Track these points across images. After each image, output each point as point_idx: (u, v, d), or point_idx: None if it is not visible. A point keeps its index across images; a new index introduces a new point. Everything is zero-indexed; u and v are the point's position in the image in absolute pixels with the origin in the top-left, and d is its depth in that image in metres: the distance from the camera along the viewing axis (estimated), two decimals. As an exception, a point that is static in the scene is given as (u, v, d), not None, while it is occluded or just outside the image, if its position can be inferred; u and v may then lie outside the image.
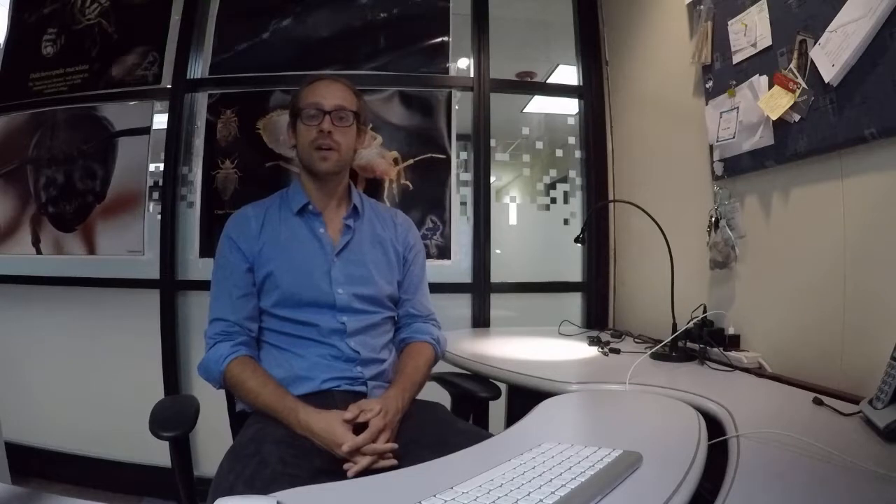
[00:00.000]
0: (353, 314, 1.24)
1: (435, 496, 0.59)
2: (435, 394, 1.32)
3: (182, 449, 1.12)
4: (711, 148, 1.63)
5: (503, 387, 1.40)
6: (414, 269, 1.37)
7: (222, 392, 1.28)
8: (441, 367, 1.49)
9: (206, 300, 1.29)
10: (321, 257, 1.26)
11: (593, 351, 1.66)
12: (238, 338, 1.20)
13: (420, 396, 1.23)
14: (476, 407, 1.39)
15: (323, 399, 1.14)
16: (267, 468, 0.92)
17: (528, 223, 2.42)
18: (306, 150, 1.25)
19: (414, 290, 1.36)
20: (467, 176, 2.33)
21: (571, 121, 2.46)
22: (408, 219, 1.43)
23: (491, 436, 1.00)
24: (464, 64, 2.41)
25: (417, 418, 1.15)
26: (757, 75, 1.42)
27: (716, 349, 1.45)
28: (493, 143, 2.34)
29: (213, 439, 1.09)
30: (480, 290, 2.30)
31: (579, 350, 1.70)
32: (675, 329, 1.52)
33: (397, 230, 1.37)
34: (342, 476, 0.97)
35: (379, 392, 1.18)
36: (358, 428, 1.03)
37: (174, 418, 1.11)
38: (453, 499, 0.58)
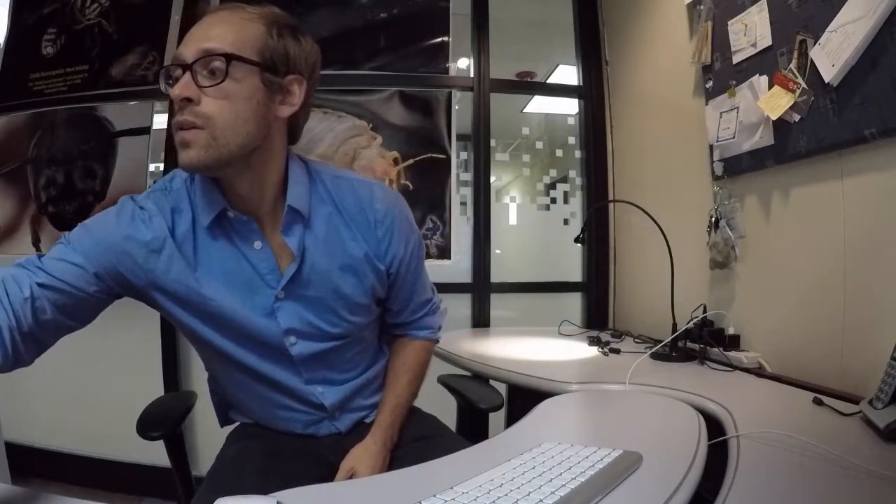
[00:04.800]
0: (313, 361, 0.95)
1: (435, 496, 0.59)
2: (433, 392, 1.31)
3: (175, 447, 1.11)
4: (711, 148, 1.63)
5: (503, 387, 1.40)
6: (406, 280, 1.01)
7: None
8: (449, 369, 1.49)
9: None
10: (259, 292, 0.87)
11: (593, 351, 1.66)
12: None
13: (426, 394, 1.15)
14: (478, 414, 1.36)
15: (305, 443, 0.98)
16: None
17: (528, 223, 2.42)
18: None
19: (406, 299, 1.05)
20: (467, 176, 2.33)
21: (571, 121, 2.46)
22: (391, 209, 0.95)
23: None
24: (464, 64, 2.41)
25: (404, 436, 1.00)
26: (757, 75, 1.42)
27: (716, 349, 1.45)
28: (493, 143, 2.34)
29: (213, 439, 1.09)
30: (480, 290, 2.30)
31: (579, 350, 1.70)
32: (675, 329, 1.52)
33: (377, 234, 0.94)
34: None
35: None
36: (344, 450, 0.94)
37: (159, 418, 1.09)
38: (453, 499, 0.58)
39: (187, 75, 0.76)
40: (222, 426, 1.10)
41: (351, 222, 0.92)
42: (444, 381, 1.33)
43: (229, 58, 0.76)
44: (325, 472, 0.93)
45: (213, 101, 0.76)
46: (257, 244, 0.87)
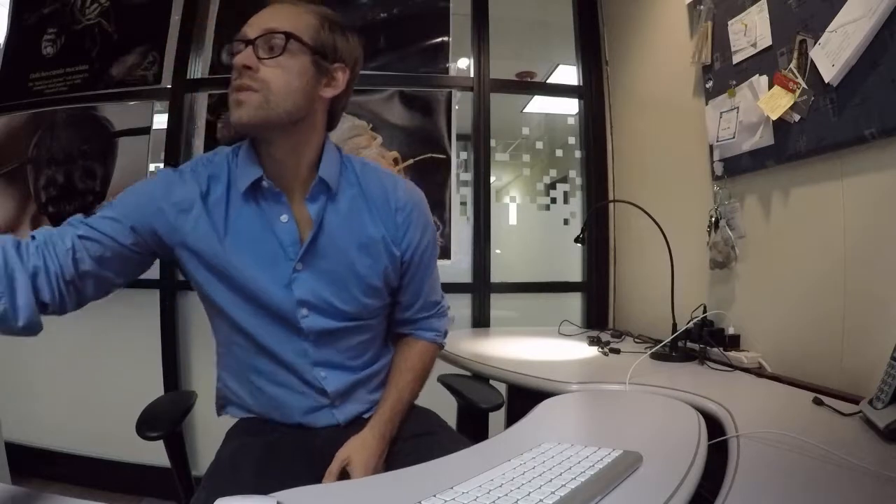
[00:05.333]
0: (322, 339, 0.98)
1: (435, 496, 0.59)
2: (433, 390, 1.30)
3: (175, 447, 1.11)
4: (711, 148, 1.63)
5: (503, 387, 1.40)
6: (418, 271, 1.05)
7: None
8: (450, 369, 1.49)
9: (207, 300, 1.28)
10: (280, 263, 0.93)
11: (593, 351, 1.66)
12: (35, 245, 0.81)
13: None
14: (479, 414, 1.36)
15: (304, 437, 0.99)
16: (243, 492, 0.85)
17: (528, 223, 2.42)
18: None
19: (416, 293, 1.08)
20: (467, 176, 2.33)
21: (571, 121, 2.46)
22: (413, 199, 1.03)
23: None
24: (464, 64, 2.41)
25: (403, 432, 1.02)
26: (757, 75, 1.42)
27: (716, 349, 1.45)
28: (493, 143, 2.34)
29: (213, 439, 1.08)
30: (480, 290, 2.30)
31: (579, 350, 1.70)
32: (675, 329, 1.52)
33: (396, 220, 1.00)
34: None
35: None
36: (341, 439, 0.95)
37: (157, 419, 1.08)
38: (453, 499, 0.58)
39: (249, 48, 0.87)
40: (219, 415, 1.10)
41: (373, 206, 0.99)
42: (445, 381, 1.32)
43: (288, 36, 0.88)
44: (322, 469, 0.93)
45: (269, 70, 0.87)
46: (284, 217, 0.93)
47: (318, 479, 0.89)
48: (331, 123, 1.00)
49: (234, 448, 0.96)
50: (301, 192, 0.95)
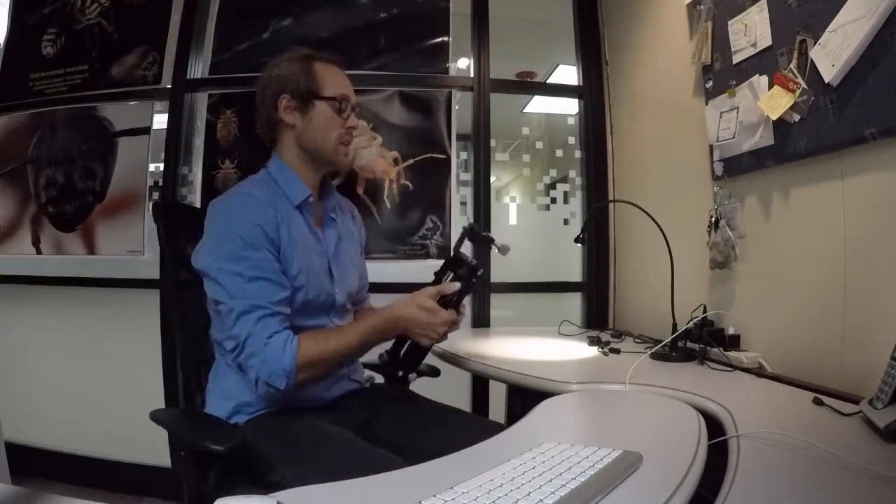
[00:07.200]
0: (342, 315, 1.27)
1: (435, 496, 0.59)
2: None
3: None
4: (711, 148, 1.63)
5: (503, 387, 1.40)
6: (364, 256, 1.44)
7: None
8: (451, 369, 1.51)
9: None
10: (322, 255, 1.23)
11: (593, 351, 1.66)
12: (286, 322, 1.10)
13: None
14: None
15: (332, 410, 1.18)
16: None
17: (528, 223, 2.42)
18: (330, 141, 1.18)
19: (364, 276, 1.43)
20: (467, 176, 2.33)
21: (571, 121, 2.46)
22: (358, 213, 1.47)
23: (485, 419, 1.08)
24: (464, 64, 2.41)
25: (404, 404, 1.27)
26: (757, 75, 1.42)
27: (716, 349, 1.45)
28: (493, 143, 2.34)
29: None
30: (480, 290, 2.30)
31: (579, 350, 1.70)
32: (675, 329, 1.52)
33: (356, 223, 1.41)
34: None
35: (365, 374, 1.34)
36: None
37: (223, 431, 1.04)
38: (453, 499, 0.58)
39: (354, 113, 1.23)
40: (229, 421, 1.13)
41: (347, 217, 1.39)
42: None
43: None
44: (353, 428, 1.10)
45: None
46: (313, 223, 1.23)
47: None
48: None
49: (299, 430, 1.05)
50: (317, 202, 1.28)
